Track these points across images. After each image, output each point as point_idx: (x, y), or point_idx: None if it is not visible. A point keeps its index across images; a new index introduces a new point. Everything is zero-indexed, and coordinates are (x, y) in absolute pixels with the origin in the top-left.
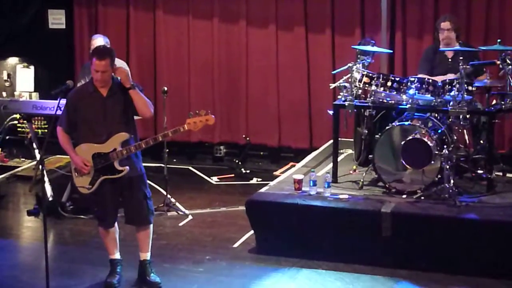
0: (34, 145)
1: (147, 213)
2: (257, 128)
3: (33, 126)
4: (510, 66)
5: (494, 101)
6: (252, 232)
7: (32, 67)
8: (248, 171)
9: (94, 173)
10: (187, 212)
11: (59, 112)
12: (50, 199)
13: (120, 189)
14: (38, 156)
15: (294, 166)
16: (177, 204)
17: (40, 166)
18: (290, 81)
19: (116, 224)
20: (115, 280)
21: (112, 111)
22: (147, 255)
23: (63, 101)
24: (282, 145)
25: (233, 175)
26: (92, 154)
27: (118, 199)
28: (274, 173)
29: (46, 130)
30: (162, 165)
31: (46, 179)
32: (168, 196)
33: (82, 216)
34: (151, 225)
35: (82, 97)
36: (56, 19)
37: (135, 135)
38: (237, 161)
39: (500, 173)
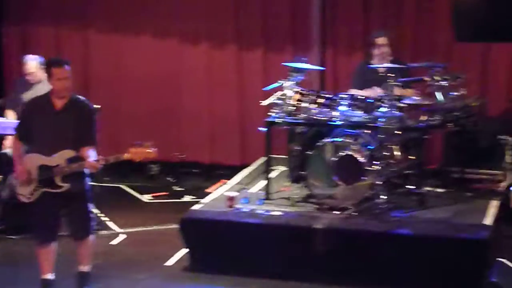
0: None
1: (87, 226)
2: (190, 146)
3: None
4: (438, 83)
5: (424, 117)
6: (186, 250)
7: None
8: (181, 189)
9: (37, 184)
10: (119, 231)
11: None
12: None
13: (61, 204)
14: None
15: (225, 183)
16: (110, 222)
17: None
18: (223, 98)
19: (54, 244)
20: None
21: (62, 127)
22: (86, 268)
23: None
24: (215, 162)
25: (166, 193)
26: (39, 165)
27: (58, 215)
28: (207, 190)
29: None
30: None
31: None
32: (100, 214)
33: (12, 237)
34: (92, 238)
35: (37, 108)
36: None
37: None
38: (170, 179)
39: (431, 188)
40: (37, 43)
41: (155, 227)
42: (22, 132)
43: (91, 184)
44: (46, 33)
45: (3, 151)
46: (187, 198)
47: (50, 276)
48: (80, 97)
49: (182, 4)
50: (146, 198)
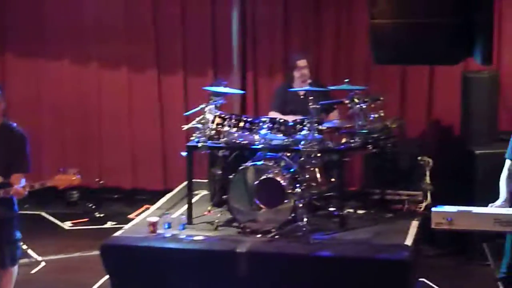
0: None
1: (13, 255)
2: (111, 171)
3: None
4: (358, 105)
5: (344, 139)
6: (107, 277)
7: None
8: (102, 215)
9: None
10: (39, 258)
11: None
12: None
13: None
14: None
15: (148, 208)
16: (29, 250)
17: None
18: (144, 123)
19: None
20: None
21: None
22: None
23: None
24: (137, 187)
25: (87, 219)
26: None
27: None
28: (129, 216)
29: None
30: None
31: None
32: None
33: None
34: (15, 268)
35: None
36: None
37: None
38: (90, 205)
39: (352, 210)
40: None
41: (76, 254)
42: None
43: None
44: None
45: None
46: (108, 224)
47: None
48: (11, 123)
49: (101, 28)
50: (66, 225)
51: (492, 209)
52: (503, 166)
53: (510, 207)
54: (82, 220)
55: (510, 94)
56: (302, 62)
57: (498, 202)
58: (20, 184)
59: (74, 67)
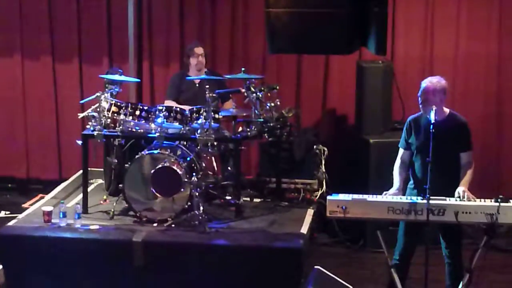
0: None
1: None
2: (4, 160)
3: None
4: (254, 94)
5: (240, 128)
6: (0, 266)
7: None
8: None
9: None
10: None
11: None
12: None
13: None
14: None
15: (43, 198)
16: None
17: None
18: (38, 112)
19: None
20: None
21: None
22: None
23: None
24: (31, 176)
25: None
26: None
27: None
28: (23, 205)
29: None
30: None
31: None
32: None
33: None
34: None
35: None
36: None
37: None
38: None
39: (248, 199)
40: None
41: None
42: None
43: None
44: None
45: None
46: (2, 214)
47: None
48: None
49: None
50: None
51: (385, 197)
52: (396, 155)
53: (403, 195)
54: None
55: (403, 84)
56: (198, 50)
57: (392, 190)
58: None
59: None
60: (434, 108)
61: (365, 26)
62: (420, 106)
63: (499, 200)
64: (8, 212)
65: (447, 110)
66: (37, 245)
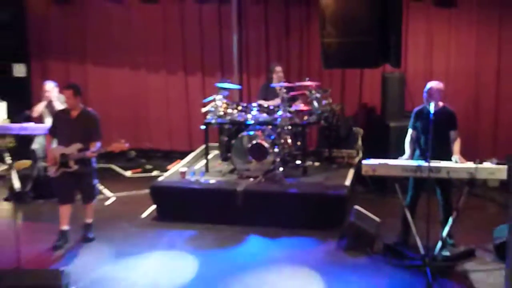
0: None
1: (92, 195)
2: (154, 137)
3: (6, 141)
4: (314, 95)
5: (306, 118)
6: (154, 206)
7: (4, 102)
8: (150, 167)
9: (59, 165)
10: (110, 195)
11: (23, 132)
12: (18, 190)
13: (76, 179)
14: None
15: (179, 162)
16: (104, 190)
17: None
18: (176, 108)
19: (70, 205)
20: (60, 242)
21: (75, 129)
22: (89, 220)
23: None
24: (172, 149)
25: (140, 170)
26: (60, 153)
27: (73, 186)
28: (167, 167)
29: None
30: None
31: (15, 176)
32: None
33: (40, 200)
34: (94, 202)
35: (60, 116)
36: (18, 70)
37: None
38: (143, 160)
39: (311, 163)
40: (52, 73)
41: (134, 192)
42: (51, 131)
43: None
44: (57, 67)
45: (33, 147)
46: (154, 173)
47: (66, 227)
48: (89, 109)
49: (145, 43)
50: (127, 173)
51: (400, 161)
52: (407, 133)
53: (412, 160)
54: (137, 170)
55: (412, 88)
56: (278, 68)
57: (404, 157)
58: (93, 149)
59: (130, 71)
60: (433, 102)
61: (387, 48)
62: (425, 99)
63: (476, 162)
64: (158, 172)
65: (441, 103)
66: (177, 192)
